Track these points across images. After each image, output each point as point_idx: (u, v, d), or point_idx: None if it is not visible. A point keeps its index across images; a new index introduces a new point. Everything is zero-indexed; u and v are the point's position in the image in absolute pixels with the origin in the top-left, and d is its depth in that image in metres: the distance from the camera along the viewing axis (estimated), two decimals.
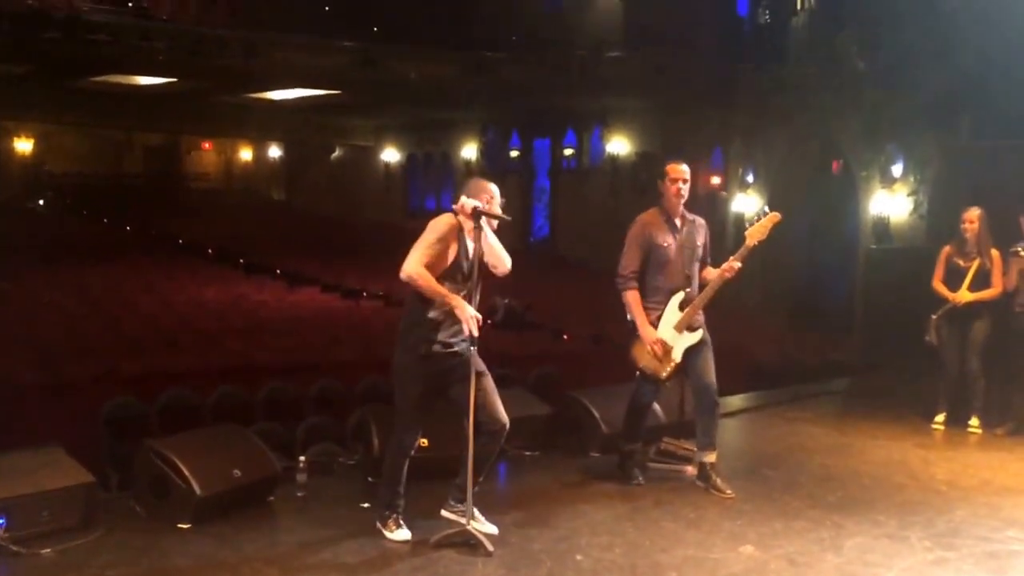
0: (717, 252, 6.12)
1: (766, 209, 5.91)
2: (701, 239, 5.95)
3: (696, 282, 5.90)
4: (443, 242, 4.74)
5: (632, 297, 5.81)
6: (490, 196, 4.85)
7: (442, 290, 4.72)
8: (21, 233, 19.37)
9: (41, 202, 25.67)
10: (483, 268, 4.86)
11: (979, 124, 13.00)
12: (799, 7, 15.99)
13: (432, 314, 4.76)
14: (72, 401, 8.80)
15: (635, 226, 5.91)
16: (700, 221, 6.02)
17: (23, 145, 26.29)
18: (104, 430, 7.97)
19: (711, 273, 5.88)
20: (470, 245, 4.80)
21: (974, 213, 7.64)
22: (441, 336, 4.78)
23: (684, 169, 5.95)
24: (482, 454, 4.83)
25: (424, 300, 4.77)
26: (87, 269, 16.11)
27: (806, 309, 16.13)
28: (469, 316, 4.69)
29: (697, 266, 5.92)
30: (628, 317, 5.90)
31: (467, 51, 19.24)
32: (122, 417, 8.09)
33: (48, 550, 4.56)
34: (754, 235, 5.78)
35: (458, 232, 4.78)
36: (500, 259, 4.90)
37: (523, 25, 20.84)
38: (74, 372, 9.87)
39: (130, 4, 18.64)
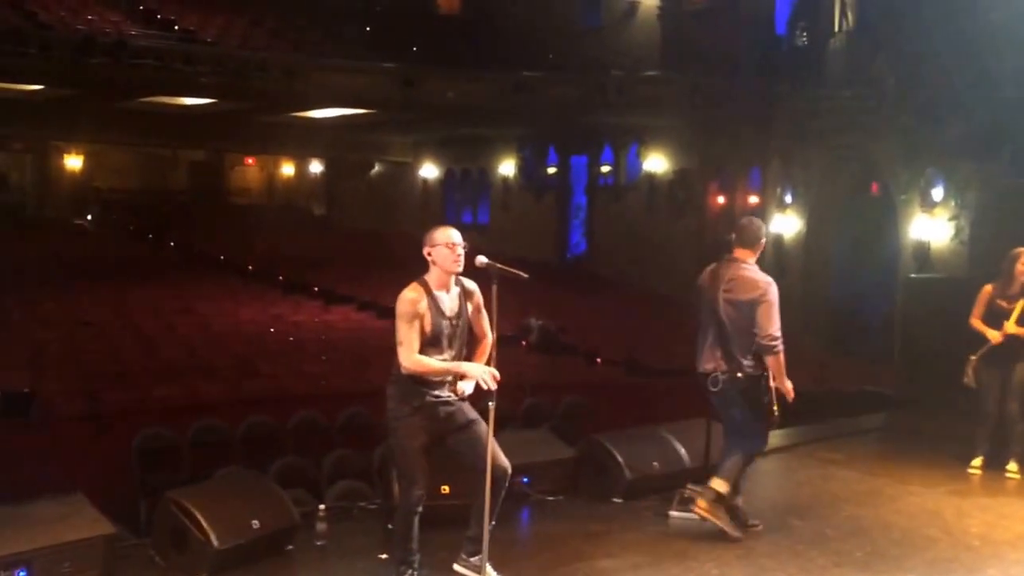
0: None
1: None
2: None
3: None
4: (416, 318, 4.70)
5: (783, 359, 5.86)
6: (451, 242, 4.81)
7: (444, 367, 4.74)
8: (68, 250, 19.71)
9: (89, 217, 26.07)
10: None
11: (1021, 156, 12.76)
12: (837, 29, 15.79)
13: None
14: (108, 429, 8.93)
15: (775, 287, 5.86)
16: None
17: (73, 162, 26.73)
18: (136, 461, 8.10)
19: None
20: (443, 300, 4.80)
21: None
22: (430, 388, 4.79)
23: None
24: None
25: None
26: (129, 288, 16.22)
27: (846, 335, 15.89)
28: (480, 375, 4.68)
29: None
30: (760, 376, 5.82)
31: (504, 70, 19.27)
32: (154, 448, 8.22)
33: None
34: None
35: (425, 299, 4.75)
36: (486, 329, 4.95)
37: (560, 44, 20.82)
38: (112, 399, 10.03)
39: (176, 28, 18.89)
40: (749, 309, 5.75)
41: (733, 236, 6.03)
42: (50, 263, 17.53)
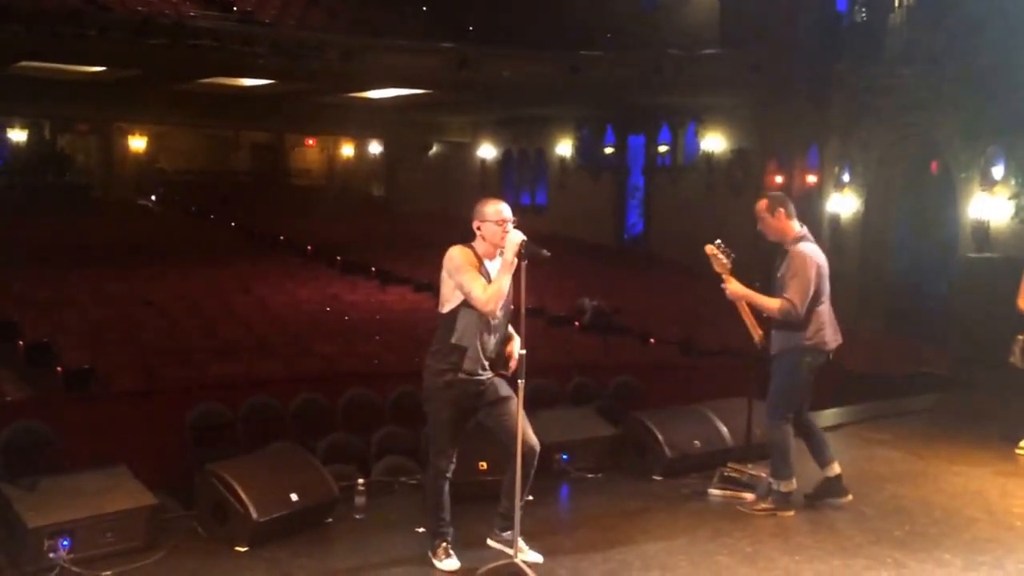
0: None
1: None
2: None
3: None
4: (474, 267, 4.81)
5: None
6: (501, 218, 4.85)
7: (502, 283, 4.76)
8: (132, 230, 20.18)
9: (153, 197, 26.65)
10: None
11: None
12: (897, 4, 15.41)
13: (455, 340, 4.83)
14: (165, 404, 9.17)
15: None
16: None
17: (137, 143, 27.29)
18: (190, 435, 8.31)
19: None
20: (490, 268, 4.86)
21: None
22: (465, 365, 4.83)
23: None
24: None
25: (449, 328, 4.84)
26: (191, 267, 16.54)
27: (903, 315, 15.61)
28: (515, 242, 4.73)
29: None
30: None
31: (562, 50, 19.19)
32: (208, 423, 8.41)
33: (109, 572, 4.75)
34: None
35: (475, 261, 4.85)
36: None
37: (619, 22, 20.66)
38: (169, 375, 10.28)
39: (234, 9, 19.14)
40: None
41: (789, 209, 6.12)
42: (114, 242, 17.94)
